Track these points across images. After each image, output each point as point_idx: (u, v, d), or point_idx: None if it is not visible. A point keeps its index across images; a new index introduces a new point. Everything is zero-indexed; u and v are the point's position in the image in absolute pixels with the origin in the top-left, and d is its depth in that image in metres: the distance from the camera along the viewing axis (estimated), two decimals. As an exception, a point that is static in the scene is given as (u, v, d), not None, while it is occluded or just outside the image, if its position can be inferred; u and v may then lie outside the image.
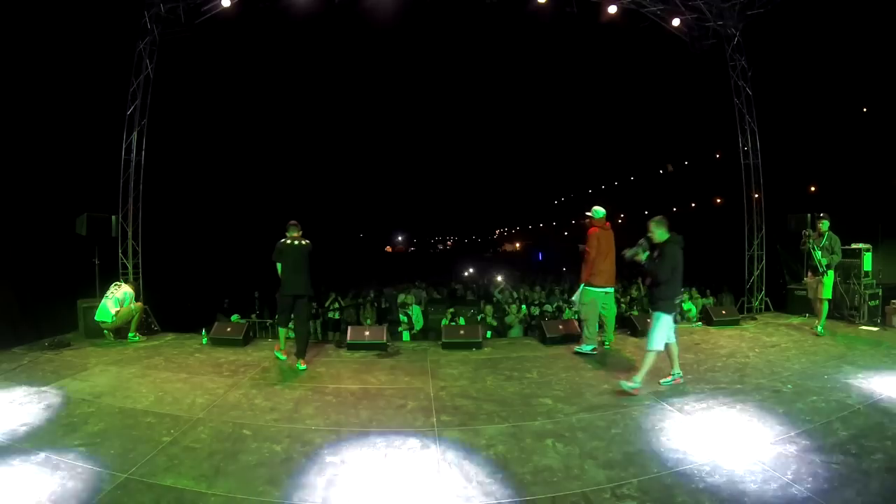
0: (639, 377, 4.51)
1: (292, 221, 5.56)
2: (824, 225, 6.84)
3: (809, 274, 7.04)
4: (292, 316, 5.69)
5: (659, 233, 4.63)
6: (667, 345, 4.64)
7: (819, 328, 6.66)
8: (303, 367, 5.38)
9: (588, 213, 6.21)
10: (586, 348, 5.94)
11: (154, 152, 8.19)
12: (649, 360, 4.51)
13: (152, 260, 8.26)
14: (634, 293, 11.49)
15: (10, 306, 6.54)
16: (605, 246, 5.96)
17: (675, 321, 4.78)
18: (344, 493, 2.94)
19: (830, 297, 6.78)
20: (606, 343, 6.19)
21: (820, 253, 6.75)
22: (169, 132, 9.99)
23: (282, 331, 5.80)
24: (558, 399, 4.42)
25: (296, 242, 5.49)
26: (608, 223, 6.16)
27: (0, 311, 6.36)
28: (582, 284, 6.05)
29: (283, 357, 5.67)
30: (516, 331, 9.33)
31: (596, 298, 5.97)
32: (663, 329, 4.54)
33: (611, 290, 6.14)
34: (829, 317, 7.91)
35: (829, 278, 6.74)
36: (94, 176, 8.05)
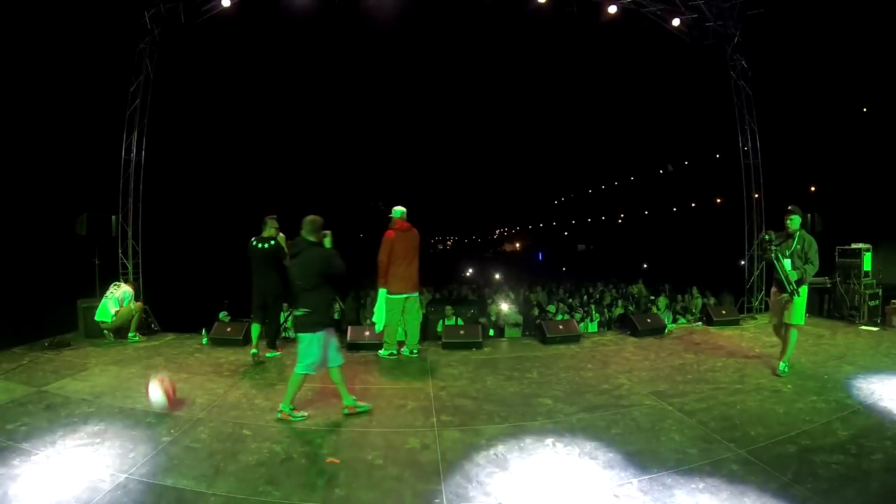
0: (286, 405, 3.97)
1: (270, 216, 5.76)
2: (794, 222, 5.04)
3: (774, 289, 5.16)
4: (265, 313, 5.90)
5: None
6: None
7: (782, 364, 4.97)
8: (275, 353, 6.00)
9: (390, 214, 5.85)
10: (383, 353, 5.89)
11: (154, 152, 8.20)
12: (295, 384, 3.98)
13: (152, 260, 8.27)
14: (634, 291, 11.51)
15: (10, 306, 6.54)
16: (401, 250, 5.71)
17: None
18: (344, 493, 2.94)
19: (803, 322, 5.04)
20: (408, 350, 5.96)
21: (789, 263, 4.94)
22: (169, 132, 9.99)
23: (255, 327, 5.82)
24: (558, 399, 4.42)
25: (260, 245, 5.71)
26: (407, 224, 5.84)
27: (0, 311, 6.36)
28: (381, 290, 5.81)
29: (256, 351, 5.71)
30: (515, 331, 9.34)
31: (395, 304, 5.79)
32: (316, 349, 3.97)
33: (413, 295, 5.86)
34: (829, 316, 7.93)
35: (802, 298, 4.94)
36: (94, 176, 8.06)
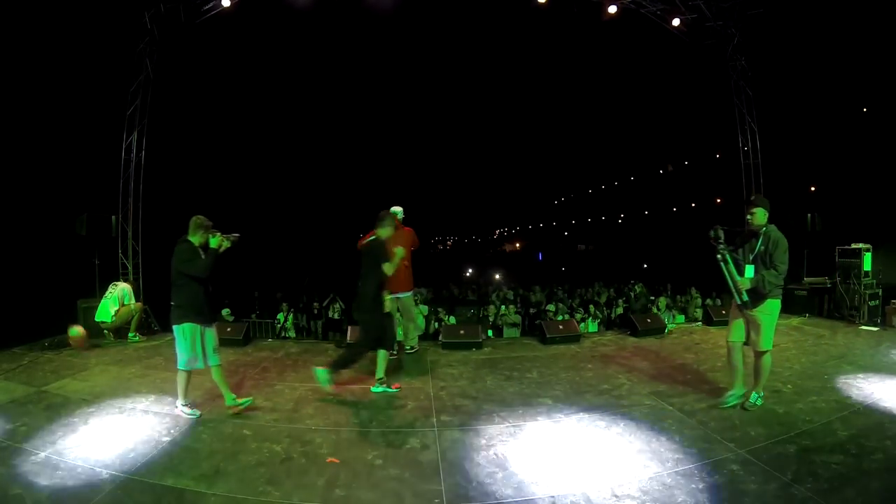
0: (182, 400, 4.03)
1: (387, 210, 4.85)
2: (757, 216, 3.93)
3: (734, 302, 4.06)
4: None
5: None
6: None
7: (731, 396, 4.06)
8: (321, 371, 4.52)
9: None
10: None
11: (154, 152, 8.20)
12: (180, 380, 4.03)
13: (152, 260, 8.27)
14: (638, 289, 11.51)
15: (10, 306, 6.54)
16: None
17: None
18: (344, 493, 2.94)
19: (771, 346, 3.97)
20: (408, 347, 6.00)
21: (752, 270, 3.91)
22: (169, 132, 9.99)
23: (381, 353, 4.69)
24: (558, 399, 4.41)
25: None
26: (397, 223, 5.71)
27: (0, 311, 6.36)
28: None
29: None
30: (513, 331, 9.34)
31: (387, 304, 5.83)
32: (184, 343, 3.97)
33: (403, 294, 5.79)
34: (829, 316, 7.92)
35: (770, 315, 3.92)
36: (94, 176, 8.06)
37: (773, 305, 3.94)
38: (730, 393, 4.11)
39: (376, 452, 3.42)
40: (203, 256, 4.00)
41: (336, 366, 4.56)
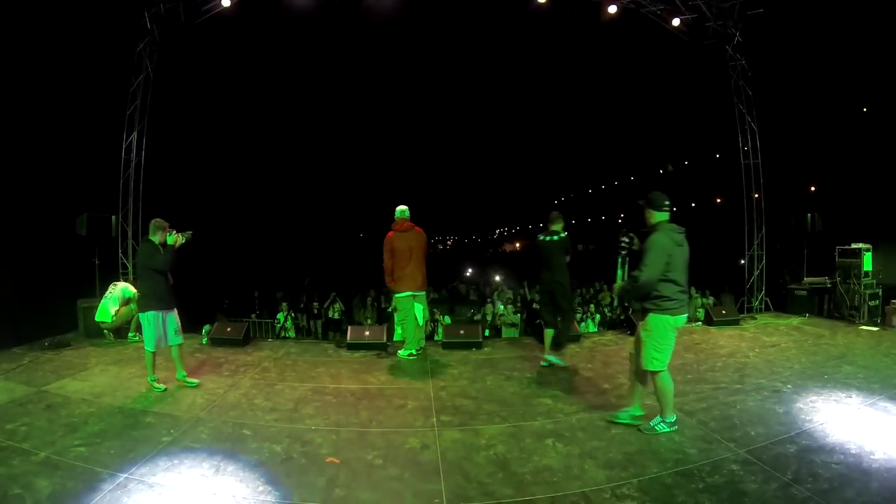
0: (154, 381, 4.64)
1: (555, 212, 5.44)
2: (647, 216, 3.65)
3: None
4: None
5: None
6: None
7: (623, 414, 3.73)
8: (557, 359, 5.39)
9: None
10: (402, 353, 5.90)
11: (154, 152, 8.19)
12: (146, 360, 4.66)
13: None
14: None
15: (10, 306, 6.54)
16: (401, 249, 5.67)
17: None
18: (344, 493, 2.94)
19: (658, 368, 3.51)
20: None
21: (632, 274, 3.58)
22: (169, 132, 9.99)
23: (549, 332, 5.50)
24: (558, 399, 4.42)
25: (548, 238, 5.39)
26: (408, 224, 5.78)
27: (0, 310, 6.36)
28: (393, 294, 5.96)
29: (552, 359, 5.38)
30: (512, 331, 9.34)
31: (404, 303, 5.83)
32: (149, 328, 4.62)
33: (419, 293, 5.86)
34: (829, 316, 7.93)
35: (646, 332, 3.51)
36: (94, 176, 8.05)
37: (652, 321, 3.48)
38: (624, 409, 3.79)
39: (376, 452, 3.42)
40: (162, 253, 4.62)
41: (559, 345, 5.39)
